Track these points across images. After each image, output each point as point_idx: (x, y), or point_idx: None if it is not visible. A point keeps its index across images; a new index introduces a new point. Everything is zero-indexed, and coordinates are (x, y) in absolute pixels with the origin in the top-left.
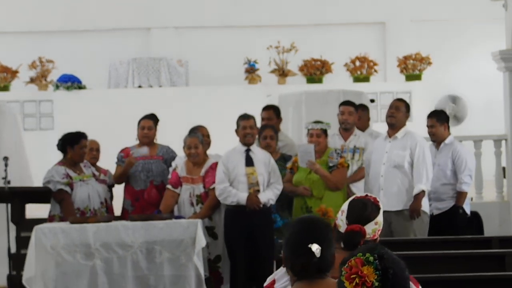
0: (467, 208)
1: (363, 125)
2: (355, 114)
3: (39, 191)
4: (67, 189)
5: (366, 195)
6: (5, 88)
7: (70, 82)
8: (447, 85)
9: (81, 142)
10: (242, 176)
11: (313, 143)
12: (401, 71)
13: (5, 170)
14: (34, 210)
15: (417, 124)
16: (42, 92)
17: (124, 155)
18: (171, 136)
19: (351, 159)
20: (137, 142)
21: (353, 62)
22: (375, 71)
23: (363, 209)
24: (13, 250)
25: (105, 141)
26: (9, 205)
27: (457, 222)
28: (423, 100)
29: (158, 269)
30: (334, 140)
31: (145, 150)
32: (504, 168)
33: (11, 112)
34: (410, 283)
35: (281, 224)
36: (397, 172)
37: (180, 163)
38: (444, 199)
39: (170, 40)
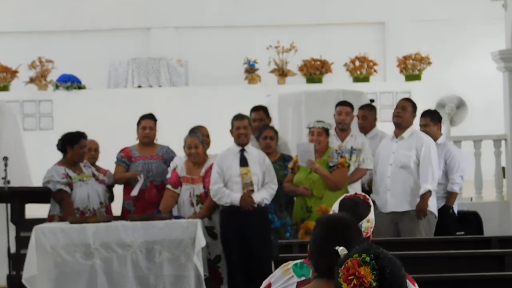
0: (455, 208)
1: (370, 125)
2: (352, 115)
3: (39, 191)
4: (67, 189)
5: (356, 194)
6: (5, 88)
7: (70, 82)
8: (447, 85)
9: (80, 142)
10: (237, 177)
11: (314, 142)
12: (401, 71)
13: (5, 170)
14: (33, 210)
15: (416, 124)
16: (41, 92)
17: (124, 155)
18: (171, 136)
19: (349, 160)
20: (137, 142)
21: (352, 62)
22: (375, 71)
23: (355, 208)
24: (13, 250)
25: (105, 141)
26: (9, 205)
27: (447, 222)
28: (423, 100)
29: (157, 269)
30: (331, 140)
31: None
32: (503, 168)
33: (10, 112)
34: (407, 281)
35: (279, 225)
36: (403, 172)
37: (180, 163)
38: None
39: (169, 40)
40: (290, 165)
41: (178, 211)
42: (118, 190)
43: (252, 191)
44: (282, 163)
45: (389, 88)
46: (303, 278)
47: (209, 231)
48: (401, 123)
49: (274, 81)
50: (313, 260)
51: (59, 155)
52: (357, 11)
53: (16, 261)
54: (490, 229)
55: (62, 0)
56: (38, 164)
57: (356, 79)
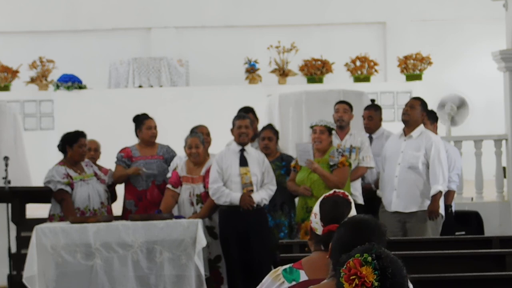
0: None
1: (375, 125)
2: (350, 113)
3: (40, 191)
4: (67, 189)
5: (334, 192)
6: (6, 88)
7: (71, 82)
8: (448, 85)
9: (79, 141)
10: (236, 176)
11: (316, 140)
12: (402, 71)
13: (6, 170)
14: (34, 210)
15: None
16: (42, 92)
17: (124, 155)
18: (171, 136)
19: (348, 158)
20: (137, 142)
21: (353, 62)
22: (376, 71)
23: (335, 207)
24: (14, 250)
25: (105, 140)
26: (10, 205)
27: (446, 221)
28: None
29: (158, 269)
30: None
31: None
32: (504, 168)
33: (11, 112)
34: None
35: (273, 225)
36: (411, 173)
37: (180, 162)
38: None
39: (170, 40)
40: (292, 163)
41: (178, 210)
42: (120, 190)
43: (251, 191)
44: (279, 163)
45: (390, 88)
46: (294, 283)
47: (209, 231)
48: (408, 121)
49: (274, 81)
50: (334, 259)
51: (60, 155)
52: (358, 11)
53: (17, 261)
54: (491, 229)
55: (63, 0)
56: (39, 164)
57: (357, 79)
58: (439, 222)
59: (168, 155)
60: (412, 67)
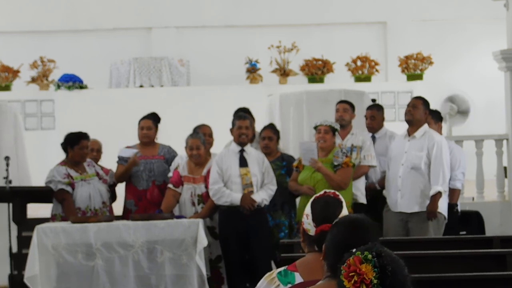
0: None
1: (378, 125)
2: (350, 112)
3: (41, 190)
4: (68, 189)
5: (325, 192)
6: (7, 88)
7: (71, 81)
8: (449, 85)
9: (80, 143)
10: (236, 177)
11: (320, 139)
12: (403, 71)
13: (7, 170)
14: (35, 210)
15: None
16: (43, 91)
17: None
18: (173, 136)
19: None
20: (138, 142)
21: (354, 61)
22: (377, 70)
23: (326, 208)
24: (15, 249)
25: (107, 140)
26: (11, 204)
27: (451, 221)
28: None
29: (159, 269)
30: None
31: (132, 151)
32: (505, 168)
33: (12, 111)
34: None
35: (273, 225)
36: (414, 173)
37: (181, 162)
38: None
39: (171, 40)
40: (295, 163)
41: (179, 210)
42: (121, 190)
43: (252, 191)
44: (280, 162)
45: (391, 88)
46: (289, 286)
47: (210, 231)
48: (412, 121)
49: (275, 81)
50: (330, 260)
51: (60, 155)
52: (359, 11)
53: (18, 260)
54: (492, 229)
55: (64, 0)
56: (40, 163)
57: (358, 79)
58: (442, 222)
59: (169, 156)
60: (413, 67)
